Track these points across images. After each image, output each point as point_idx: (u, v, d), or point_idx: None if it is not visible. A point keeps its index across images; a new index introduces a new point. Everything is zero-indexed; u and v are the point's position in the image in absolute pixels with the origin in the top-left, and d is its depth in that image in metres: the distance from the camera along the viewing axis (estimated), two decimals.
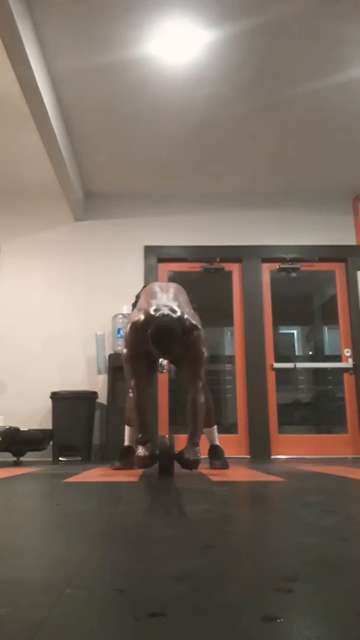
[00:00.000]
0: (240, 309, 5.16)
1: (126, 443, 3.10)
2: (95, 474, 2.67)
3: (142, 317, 2.59)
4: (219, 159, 4.74)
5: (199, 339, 2.63)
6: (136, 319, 2.63)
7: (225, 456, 3.15)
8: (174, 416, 5.04)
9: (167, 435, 2.61)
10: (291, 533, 1.03)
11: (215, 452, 3.10)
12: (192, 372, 2.69)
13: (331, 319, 5.40)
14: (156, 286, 2.86)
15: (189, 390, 2.68)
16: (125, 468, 2.98)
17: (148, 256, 5.17)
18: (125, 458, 3.02)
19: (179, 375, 2.96)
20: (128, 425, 3.13)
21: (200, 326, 2.66)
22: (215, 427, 3.17)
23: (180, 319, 2.55)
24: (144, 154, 4.64)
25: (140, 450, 2.56)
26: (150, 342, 2.46)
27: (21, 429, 3.99)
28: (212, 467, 3.01)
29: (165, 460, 2.50)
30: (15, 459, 4.05)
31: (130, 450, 3.05)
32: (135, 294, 5.10)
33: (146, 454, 2.54)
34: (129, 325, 2.67)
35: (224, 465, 3.01)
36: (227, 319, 5.23)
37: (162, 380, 4.96)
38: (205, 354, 2.70)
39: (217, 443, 3.14)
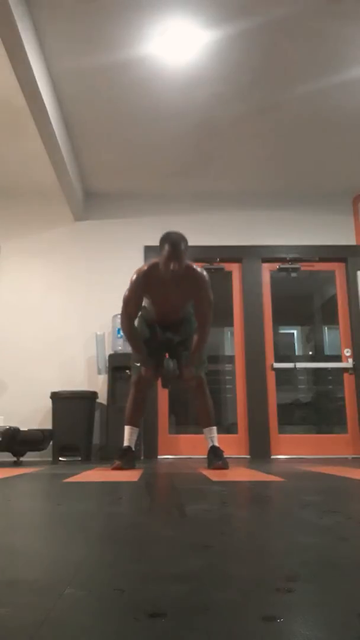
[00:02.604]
0: (240, 309, 5.16)
1: (126, 443, 3.12)
2: (95, 474, 2.67)
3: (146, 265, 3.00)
4: (219, 159, 4.74)
5: (205, 282, 3.01)
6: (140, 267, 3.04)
7: (225, 456, 3.15)
8: (173, 415, 5.03)
9: (170, 359, 3.15)
10: (291, 533, 1.03)
11: (215, 453, 3.10)
12: (201, 314, 3.09)
13: (331, 319, 5.40)
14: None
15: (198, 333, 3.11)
16: (125, 468, 2.98)
17: (148, 256, 5.16)
18: (125, 458, 3.02)
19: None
20: (128, 424, 3.16)
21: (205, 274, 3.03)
22: (215, 427, 3.18)
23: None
24: (144, 153, 4.64)
25: (142, 368, 3.08)
26: (164, 252, 2.77)
27: (21, 429, 3.99)
28: (212, 467, 3.01)
29: (168, 375, 3.07)
30: (15, 459, 4.05)
31: (129, 450, 3.08)
32: None
33: (150, 367, 3.07)
34: (134, 273, 3.01)
35: (224, 465, 3.01)
36: (227, 319, 5.23)
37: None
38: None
39: (217, 444, 3.14)
